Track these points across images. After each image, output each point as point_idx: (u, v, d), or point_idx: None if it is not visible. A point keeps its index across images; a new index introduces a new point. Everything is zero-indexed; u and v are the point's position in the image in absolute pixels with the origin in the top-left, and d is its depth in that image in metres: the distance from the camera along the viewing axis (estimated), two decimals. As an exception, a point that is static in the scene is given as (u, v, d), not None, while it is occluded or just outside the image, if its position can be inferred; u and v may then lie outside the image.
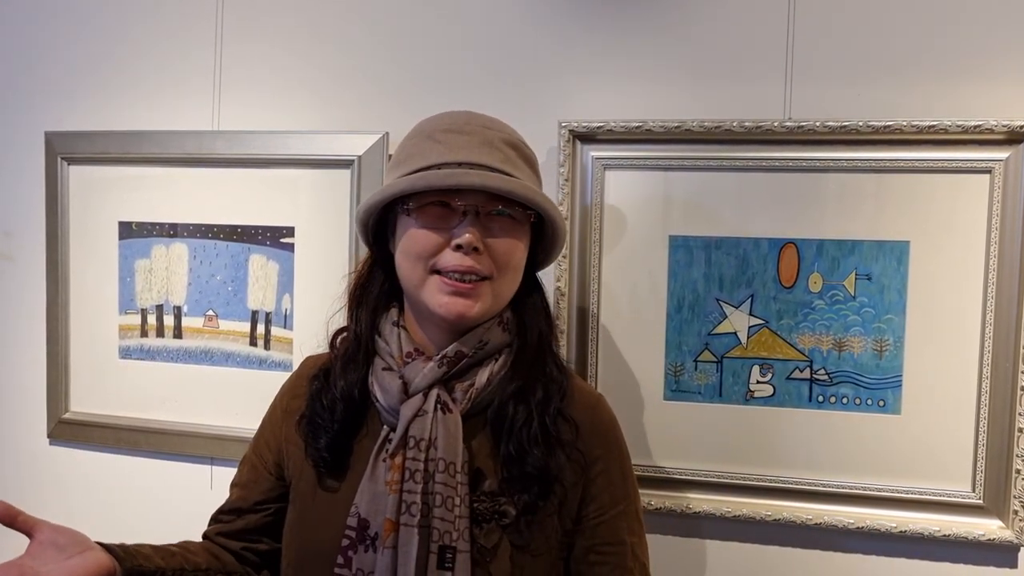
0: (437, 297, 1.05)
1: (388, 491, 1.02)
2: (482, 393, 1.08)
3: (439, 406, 1.05)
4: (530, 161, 1.13)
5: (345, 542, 1.04)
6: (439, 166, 1.04)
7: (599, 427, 1.13)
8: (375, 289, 1.16)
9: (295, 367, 1.58)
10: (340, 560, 1.04)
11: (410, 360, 1.08)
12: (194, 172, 1.64)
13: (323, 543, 1.07)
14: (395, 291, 1.15)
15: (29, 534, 0.98)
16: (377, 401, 1.09)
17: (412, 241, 1.06)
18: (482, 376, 1.08)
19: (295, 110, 1.61)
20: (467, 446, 1.05)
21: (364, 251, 1.52)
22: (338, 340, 1.18)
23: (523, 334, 1.12)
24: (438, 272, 1.04)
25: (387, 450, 1.05)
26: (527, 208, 1.06)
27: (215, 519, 1.21)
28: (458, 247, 1.03)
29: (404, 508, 1.01)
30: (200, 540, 1.20)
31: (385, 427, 1.08)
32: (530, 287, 1.15)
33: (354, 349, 1.13)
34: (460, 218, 1.04)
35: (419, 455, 1.03)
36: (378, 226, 1.13)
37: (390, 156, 1.52)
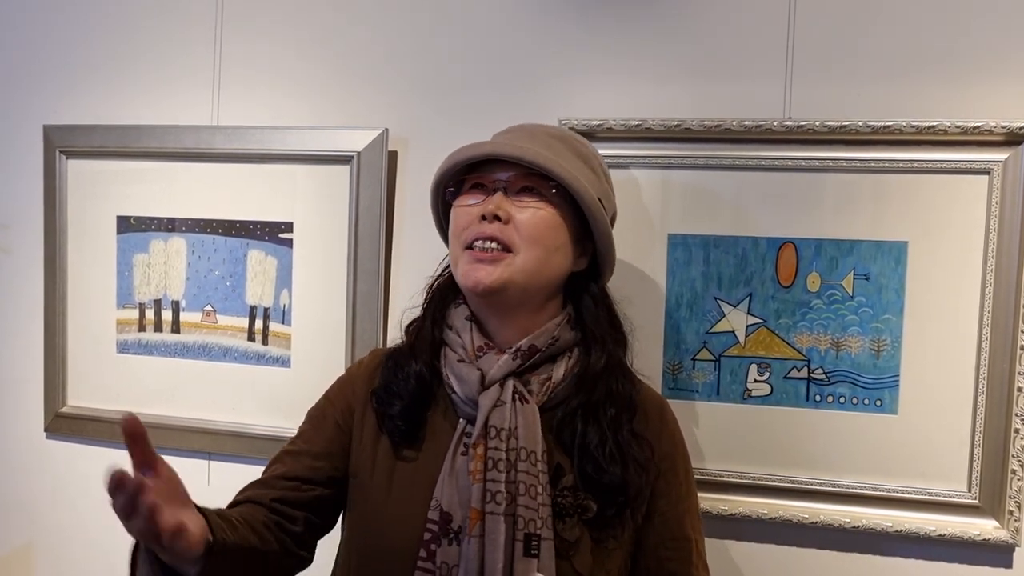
0: (463, 268, 1.09)
1: (472, 481, 1.03)
2: (557, 387, 1.10)
3: (516, 396, 1.06)
4: (584, 156, 1.15)
5: (427, 535, 1.04)
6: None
7: (665, 429, 1.16)
8: (445, 284, 1.19)
9: (293, 363, 1.59)
10: (423, 554, 1.03)
11: (482, 354, 1.10)
12: (193, 167, 1.64)
13: (400, 538, 1.06)
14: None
15: (150, 465, 0.89)
16: (454, 392, 1.10)
17: (452, 221, 1.13)
18: (558, 371, 1.11)
19: (294, 106, 1.61)
20: (544, 439, 1.07)
21: (363, 247, 1.54)
22: (410, 329, 1.20)
23: (587, 341, 1.13)
24: (468, 248, 1.08)
25: (465, 443, 1.07)
26: (557, 187, 1.08)
27: (266, 484, 1.13)
28: (483, 217, 1.07)
29: (489, 497, 1.02)
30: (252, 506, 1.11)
31: (461, 420, 1.09)
32: (593, 292, 1.16)
33: (425, 338, 1.15)
34: (491, 195, 1.09)
35: (501, 444, 1.04)
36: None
37: (390, 152, 1.53)
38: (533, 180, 1.09)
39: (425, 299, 1.20)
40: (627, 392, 1.12)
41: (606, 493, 1.06)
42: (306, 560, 1.14)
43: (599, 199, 1.12)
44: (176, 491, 0.93)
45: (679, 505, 1.14)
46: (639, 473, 1.09)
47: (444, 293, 1.18)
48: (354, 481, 1.14)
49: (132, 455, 0.89)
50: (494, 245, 1.07)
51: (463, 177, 1.13)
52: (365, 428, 1.14)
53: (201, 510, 0.97)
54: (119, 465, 0.84)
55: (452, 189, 1.14)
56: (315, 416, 1.19)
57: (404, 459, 1.11)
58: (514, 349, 1.09)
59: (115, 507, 0.85)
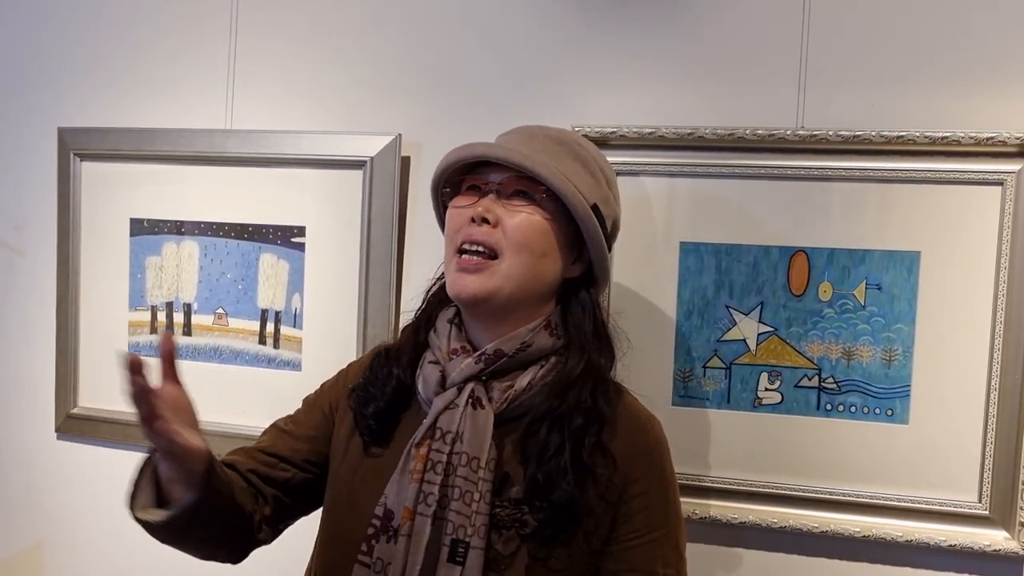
0: (450, 276, 1.09)
1: (410, 480, 1.03)
2: (520, 396, 1.07)
3: (471, 401, 1.05)
4: (582, 160, 1.13)
5: (370, 531, 1.04)
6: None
7: (642, 449, 1.09)
8: (442, 288, 1.17)
9: (304, 367, 1.60)
10: (364, 548, 1.04)
11: (455, 356, 1.10)
12: (206, 170, 1.64)
13: (354, 529, 1.07)
14: None
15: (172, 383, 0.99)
16: (418, 393, 1.11)
17: (448, 221, 1.12)
18: (522, 380, 1.07)
19: (308, 110, 1.62)
20: (498, 448, 1.04)
21: (376, 252, 1.55)
22: (404, 332, 1.21)
23: (569, 348, 1.10)
24: (458, 252, 1.08)
25: (414, 441, 1.06)
26: (549, 191, 1.07)
27: (248, 453, 1.17)
28: (472, 220, 1.07)
29: (422, 498, 1.02)
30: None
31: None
32: (581, 299, 1.13)
33: (410, 340, 1.17)
34: (483, 197, 1.09)
35: (444, 447, 1.03)
36: None
37: (403, 158, 1.53)
38: (525, 184, 1.08)
39: (423, 302, 1.21)
40: (599, 403, 1.07)
41: (555, 509, 1.01)
42: (261, 542, 1.15)
43: (596, 205, 1.10)
44: (188, 413, 1.00)
45: (648, 535, 1.06)
46: (596, 491, 1.03)
47: (439, 296, 1.18)
48: (330, 469, 1.17)
49: (162, 371, 0.98)
50: (480, 250, 1.06)
51: (461, 178, 1.13)
52: (345, 421, 1.16)
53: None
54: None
55: (448, 190, 1.14)
56: (310, 402, 1.24)
57: (371, 456, 1.12)
58: (479, 353, 1.08)
59: (130, 393, 0.92)
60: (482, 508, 1.01)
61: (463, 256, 1.07)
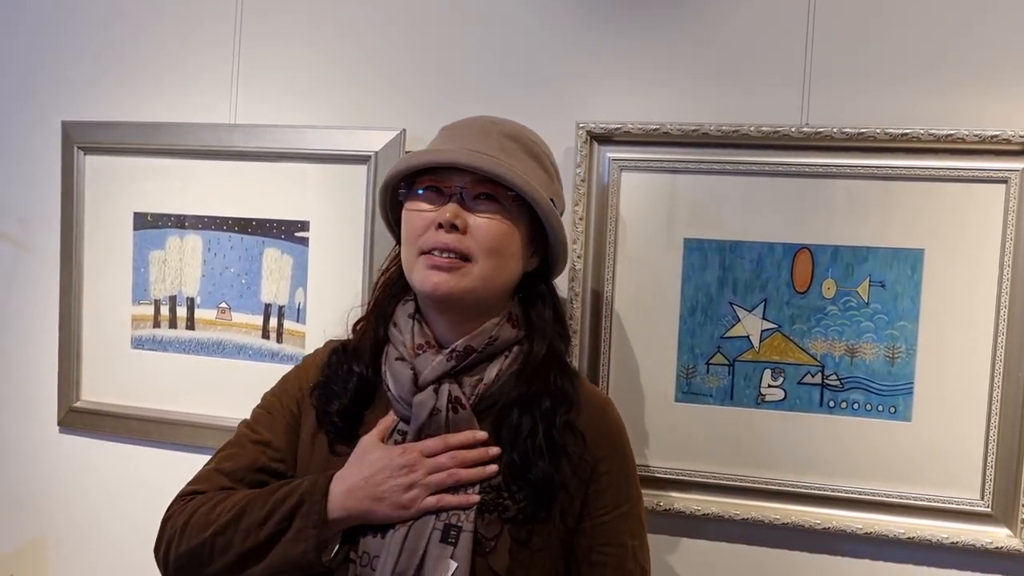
0: (421, 275, 1.08)
1: None
2: (490, 389, 1.10)
3: (451, 405, 1.07)
4: (536, 156, 1.14)
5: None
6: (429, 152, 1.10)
7: (604, 430, 1.14)
8: (393, 281, 1.20)
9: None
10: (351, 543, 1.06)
11: (421, 352, 1.10)
12: (210, 165, 1.64)
13: None
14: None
15: None
16: (389, 390, 1.11)
17: (405, 224, 1.11)
18: (491, 372, 1.11)
19: (313, 105, 1.62)
20: None
21: (379, 248, 1.54)
22: (357, 327, 1.21)
23: (531, 337, 1.14)
24: (424, 253, 1.08)
25: (396, 440, 1.09)
26: (515, 193, 1.07)
27: (237, 476, 1.15)
28: (439, 226, 1.06)
29: None
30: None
31: (395, 417, 1.11)
32: (541, 291, 1.17)
33: (370, 336, 1.16)
34: (447, 200, 1.08)
35: None
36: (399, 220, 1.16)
37: (407, 153, 1.53)
38: (490, 186, 1.08)
39: (372, 297, 1.21)
40: (564, 385, 1.12)
41: (532, 489, 1.05)
42: None
43: (552, 200, 1.13)
44: None
45: (615, 509, 1.12)
46: (569, 467, 1.08)
47: (392, 291, 1.19)
48: (298, 466, 1.16)
49: None
50: (452, 255, 1.06)
51: (417, 177, 1.12)
52: (308, 421, 1.16)
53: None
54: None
55: (404, 190, 1.13)
56: (273, 405, 1.20)
57: (337, 455, 1.12)
58: (449, 350, 1.09)
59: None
60: (472, 496, 1.05)
61: (434, 255, 1.07)
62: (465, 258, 1.07)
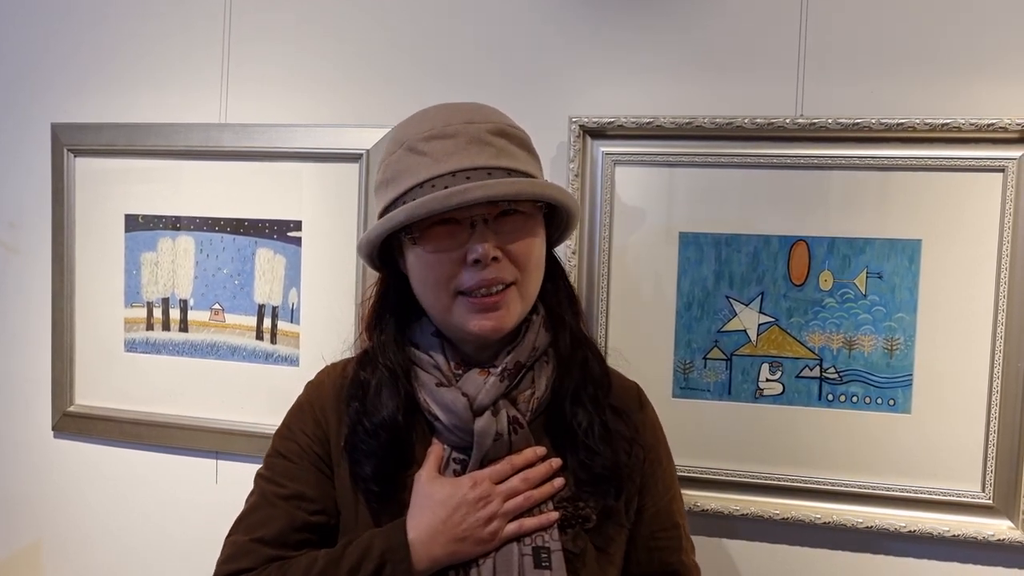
0: (467, 318, 1.00)
1: None
2: (542, 401, 1.06)
3: (511, 427, 1.02)
4: (524, 144, 1.05)
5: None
6: (432, 181, 0.97)
7: (647, 417, 1.15)
8: (392, 310, 1.10)
9: (301, 362, 1.58)
10: None
11: (461, 373, 1.04)
12: (201, 165, 1.63)
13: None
14: (414, 307, 1.08)
15: None
16: (437, 420, 1.03)
17: (427, 269, 1.01)
18: (540, 382, 1.05)
19: (303, 103, 1.61)
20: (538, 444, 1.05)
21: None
22: (366, 365, 1.09)
23: (556, 327, 1.09)
24: (462, 293, 1.00)
25: (455, 469, 1.03)
26: (536, 201, 1.02)
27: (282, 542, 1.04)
28: (476, 262, 0.97)
29: None
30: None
31: (446, 447, 1.04)
32: (552, 273, 1.10)
33: (389, 374, 1.05)
34: (469, 231, 0.98)
35: None
36: (383, 249, 1.07)
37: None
38: (512, 201, 0.99)
39: (371, 327, 1.11)
40: (599, 369, 1.09)
41: (601, 482, 1.03)
42: None
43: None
44: None
45: (666, 494, 1.13)
46: (627, 452, 1.07)
47: (398, 317, 1.09)
48: (342, 516, 1.07)
49: None
50: (499, 287, 0.99)
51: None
52: (343, 465, 1.06)
53: None
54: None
55: (407, 234, 1.00)
56: (291, 450, 1.09)
57: (388, 513, 1.03)
58: (500, 369, 1.03)
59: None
60: (551, 513, 1.02)
61: (479, 296, 0.99)
62: (508, 283, 1.00)
